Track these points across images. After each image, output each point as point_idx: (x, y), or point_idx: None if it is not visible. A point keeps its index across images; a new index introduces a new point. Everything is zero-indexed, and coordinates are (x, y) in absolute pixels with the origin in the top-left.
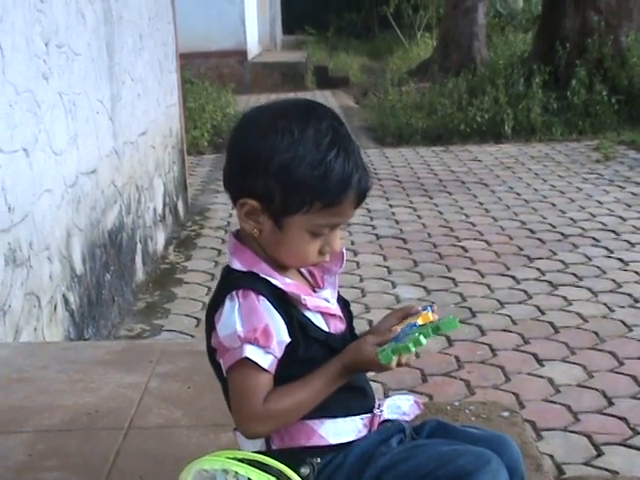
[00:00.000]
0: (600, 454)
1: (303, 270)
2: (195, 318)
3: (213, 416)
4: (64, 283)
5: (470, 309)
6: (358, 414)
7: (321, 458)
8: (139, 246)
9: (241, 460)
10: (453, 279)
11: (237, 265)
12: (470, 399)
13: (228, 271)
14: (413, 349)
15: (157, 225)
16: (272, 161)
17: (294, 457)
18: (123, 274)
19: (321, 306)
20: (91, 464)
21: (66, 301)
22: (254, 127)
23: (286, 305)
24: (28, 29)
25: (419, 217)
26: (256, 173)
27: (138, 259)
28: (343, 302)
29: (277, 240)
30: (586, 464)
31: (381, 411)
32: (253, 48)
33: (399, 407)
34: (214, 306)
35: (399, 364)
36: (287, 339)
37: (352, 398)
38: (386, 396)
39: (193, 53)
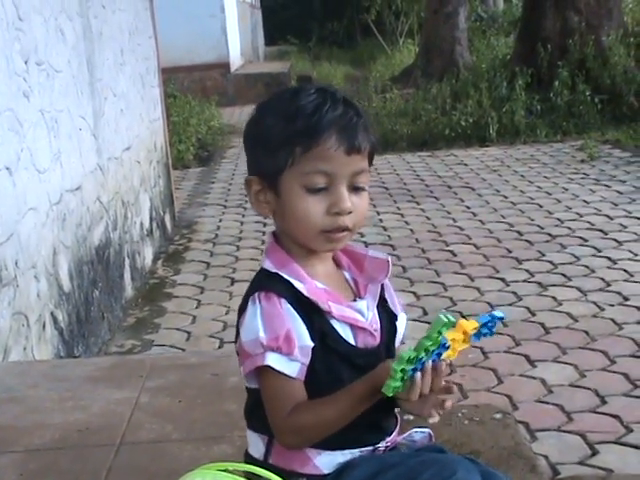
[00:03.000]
0: (595, 453)
1: (347, 276)
2: (186, 332)
3: (204, 429)
4: (52, 301)
5: (460, 313)
6: (359, 447)
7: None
8: (127, 261)
9: (232, 472)
10: (443, 284)
11: (267, 265)
12: (463, 403)
13: (258, 271)
14: (397, 367)
15: (144, 240)
16: (255, 132)
17: (285, 474)
18: (112, 290)
19: (348, 316)
20: None
21: (55, 319)
22: (249, 116)
23: (309, 310)
24: (7, 47)
25: (407, 223)
26: (249, 152)
27: (126, 274)
28: (389, 315)
29: (283, 211)
30: (581, 463)
31: (386, 447)
32: (236, 60)
33: (412, 436)
34: (241, 309)
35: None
36: (310, 343)
37: (362, 434)
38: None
39: (176, 67)
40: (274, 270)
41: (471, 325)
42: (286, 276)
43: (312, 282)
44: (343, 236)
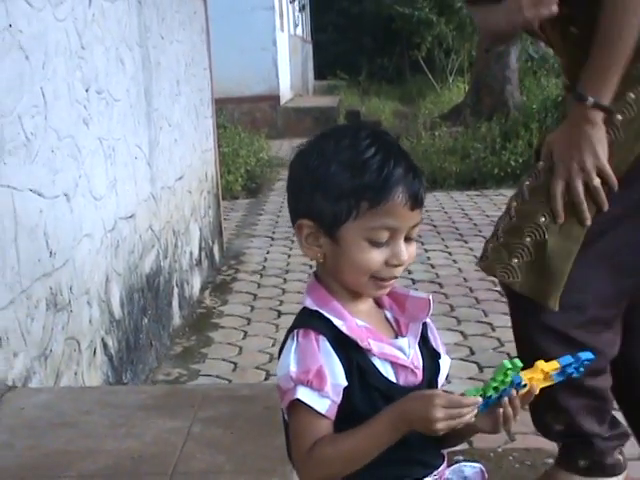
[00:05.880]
0: None
1: (388, 315)
2: (232, 362)
3: (257, 462)
4: (103, 327)
5: (508, 354)
6: None
7: None
8: (176, 290)
9: None
10: (490, 324)
11: (308, 303)
12: (511, 445)
13: (300, 310)
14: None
15: (193, 269)
16: (313, 176)
17: None
18: (160, 318)
19: (388, 354)
20: None
21: (105, 345)
22: (298, 155)
23: (348, 348)
24: (69, 75)
25: (454, 262)
26: (303, 194)
27: (175, 303)
28: (431, 354)
29: (338, 257)
30: None
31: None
32: (285, 93)
33: (462, 471)
34: (281, 348)
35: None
36: (344, 383)
37: (405, 470)
38: (452, 463)
39: (226, 98)
40: (315, 308)
41: (550, 366)
42: (326, 314)
43: (353, 320)
44: (392, 284)
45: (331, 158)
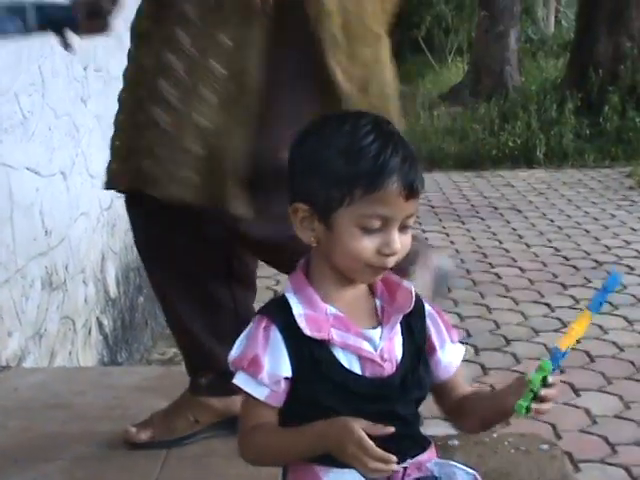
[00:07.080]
0: None
1: (378, 304)
2: None
3: None
4: (98, 306)
5: (504, 337)
6: None
7: None
8: None
9: None
10: (487, 306)
11: (286, 286)
12: (506, 430)
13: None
14: (524, 404)
15: None
16: (310, 161)
17: None
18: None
19: (351, 345)
20: None
21: (100, 325)
22: (298, 139)
23: (305, 338)
24: (67, 54)
25: (452, 243)
26: (300, 178)
27: None
28: (417, 347)
29: (331, 243)
30: None
31: (405, 469)
32: None
33: (455, 474)
34: None
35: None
36: (284, 373)
37: None
38: (446, 446)
39: None
40: (285, 293)
41: (583, 322)
42: (291, 301)
43: (323, 307)
44: (385, 272)
45: (328, 143)
